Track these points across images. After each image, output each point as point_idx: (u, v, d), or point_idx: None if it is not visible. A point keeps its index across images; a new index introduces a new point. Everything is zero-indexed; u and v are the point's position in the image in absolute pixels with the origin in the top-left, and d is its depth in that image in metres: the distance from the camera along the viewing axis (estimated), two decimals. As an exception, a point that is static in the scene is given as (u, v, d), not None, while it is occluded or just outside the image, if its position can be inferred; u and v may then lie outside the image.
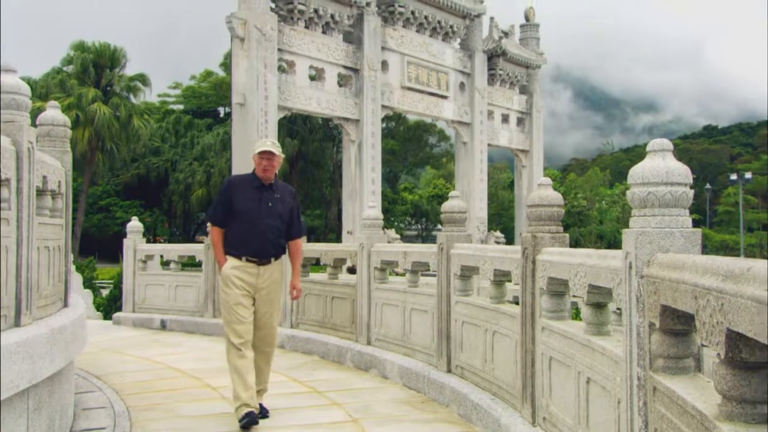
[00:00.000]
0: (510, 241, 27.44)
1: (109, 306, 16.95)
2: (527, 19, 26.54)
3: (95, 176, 42.70)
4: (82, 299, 5.76)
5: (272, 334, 5.29)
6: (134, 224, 11.85)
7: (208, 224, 5.71)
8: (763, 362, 1.94)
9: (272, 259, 5.15)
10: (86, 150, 37.84)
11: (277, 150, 5.19)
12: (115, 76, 40.13)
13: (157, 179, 45.83)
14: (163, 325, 10.78)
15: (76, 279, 16.90)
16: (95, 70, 39.46)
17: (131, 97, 41.03)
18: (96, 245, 43.91)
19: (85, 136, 37.11)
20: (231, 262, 5.09)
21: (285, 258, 5.44)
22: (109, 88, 40.04)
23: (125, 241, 11.72)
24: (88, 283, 19.78)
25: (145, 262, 11.58)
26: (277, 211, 5.16)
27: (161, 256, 12.12)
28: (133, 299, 11.49)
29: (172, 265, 11.42)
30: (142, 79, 41.31)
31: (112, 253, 35.19)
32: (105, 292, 19.58)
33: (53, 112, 5.33)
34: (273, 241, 5.14)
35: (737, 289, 1.83)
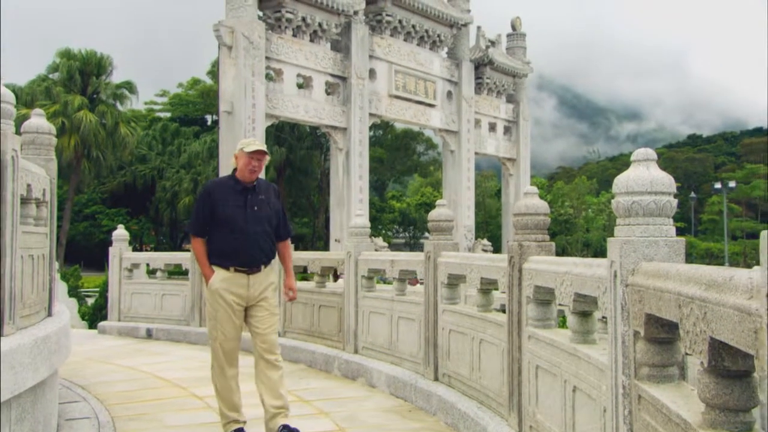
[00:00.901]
0: (497, 248, 27.54)
1: (95, 315, 16.83)
2: (514, 28, 26.72)
3: (81, 184, 42.42)
4: (66, 308, 5.71)
5: (272, 339, 4.82)
6: (120, 232, 11.77)
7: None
8: (745, 371, 1.96)
9: (262, 267, 4.80)
10: (72, 158, 37.61)
11: (266, 149, 4.88)
12: (102, 84, 39.95)
13: (143, 187, 45.62)
14: (149, 334, 10.71)
15: (61, 287, 16.77)
16: (81, 77, 39.27)
17: (118, 104, 40.86)
18: (82, 253, 43.61)
19: (71, 144, 36.89)
20: (219, 273, 4.71)
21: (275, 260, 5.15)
22: (95, 96, 39.85)
23: (111, 250, 11.63)
24: (74, 292, 19.64)
25: (131, 270, 11.50)
26: (265, 214, 4.80)
27: (147, 265, 12.04)
28: (119, 308, 11.40)
29: (158, 274, 11.35)
30: (129, 86, 41.16)
31: (98, 261, 34.94)
32: (90, 301, 19.43)
33: (38, 120, 5.29)
34: (263, 248, 4.78)
35: (720, 298, 1.85)
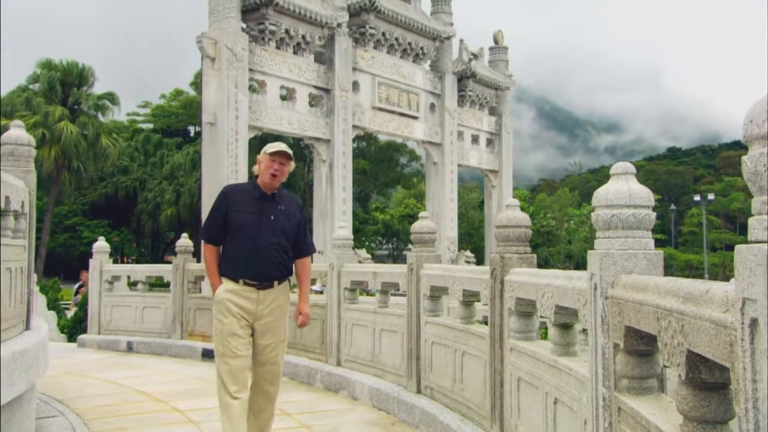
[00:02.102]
0: (481, 260, 27.59)
1: (74, 328, 16.60)
2: (496, 41, 26.95)
3: (61, 195, 41.99)
4: (45, 321, 5.64)
5: (276, 370, 4.43)
6: (101, 244, 11.67)
7: (200, 241, 4.77)
8: (722, 383, 1.98)
9: (275, 283, 4.39)
10: (52, 169, 37.24)
11: (291, 154, 4.45)
12: (83, 95, 39.65)
13: (125, 198, 45.26)
14: (130, 347, 10.59)
15: (40, 300, 16.54)
16: (62, 88, 38.96)
17: (99, 115, 40.54)
18: (62, 265, 43.11)
19: (52, 155, 36.53)
20: (226, 284, 4.35)
21: None
22: (76, 107, 39.53)
23: (91, 262, 11.52)
24: (53, 305, 19.40)
25: (111, 282, 11.38)
26: (281, 225, 4.39)
27: (128, 277, 11.94)
28: (99, 321, 11.27)
29: (139, 286, 11.25)
30: (111, 97, 40.89)
31: (79, 273, 34.52)
32: (70, 314, 19.19)
33: (17, 132, 5.25)
34: (276, 262, 4.36)
35: (696, 311, 1.87)
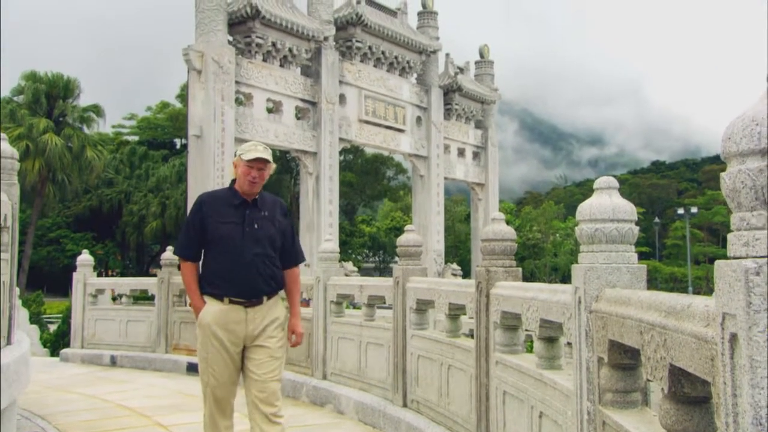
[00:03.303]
0: (467, 273, 27.65)
1: (57, 342, 16.44)
2: (482, 56, 27.18)
3: (45, 208, 41.64)
4: (27, 335, 5.58)
5: (273, 389, 3.93)
6: (84, 257, 11.57)
7: (172, 257, 4.58)
8: (704, 397, 1.99)
9: (264, 298, 3.95)
10: (36, 181, 36.94)
11: (269, 156, 3.99)
12: (68, 107, 39.46)
13: (110, 211, 44.95)
14: (113, 362, 10.48)
15: (22, 314, 16.35)
16: (47, 100, 38.75)
17: (84, 128, 40.35)
18: (45, 278, 42.69)
19: (36, 167, 36.25)
20: (211, 305, 3.90)
21: None
22: (61, 119, 39.32)
23: (75, 275, 11.42)
24: (35, 318, 19.18)
25: (95, 296, 11.28)
26: (266, 233, 3.96)
27: (112, 290, 11.84)
28: (82, 335, 11.16)
29: (123, 300, 11.16)
30: (96, 109, 40.73)
31: (62, 286, 34.23)
32: (53, 327, 18.99)
33: (0, 144, 5.21)
34: (264, 274, 3.93)
35: (678, 325, 1.89)
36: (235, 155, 4.05)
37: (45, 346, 16.89)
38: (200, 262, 4.03)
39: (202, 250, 4.01)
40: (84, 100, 41.54)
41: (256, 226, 3.96)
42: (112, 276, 40.82)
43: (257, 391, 3.88)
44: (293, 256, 4.19)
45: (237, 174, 3.99)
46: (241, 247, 3.90)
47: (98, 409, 7.08)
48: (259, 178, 3.94)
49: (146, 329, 10.46)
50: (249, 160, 3.90)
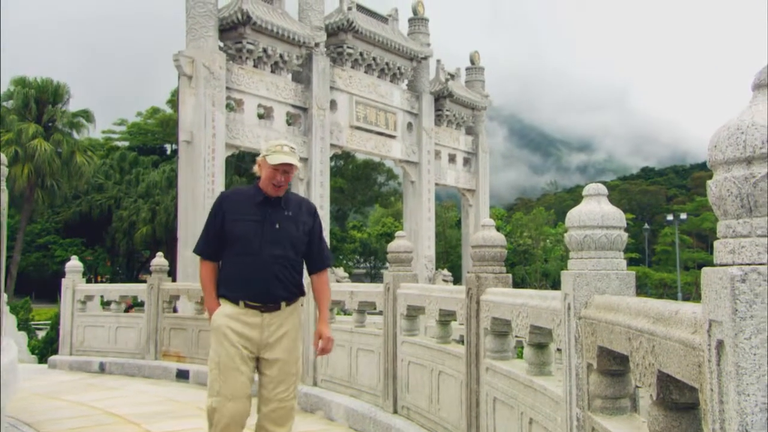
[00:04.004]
0: (458, 279, 27.66)
1: (45, 349, 16.32)
2: (472, 62, 27.28)
3: (34, 214, 41.38)
4: (15, 342, 5.54)
5: (287, 408, 3.67)
6: (73, 264, 11.50)
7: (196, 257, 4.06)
8: (692, 403, 2.00)
9: (282, 304, 3.71)
10: (25, 187, 36.70)
11: (296, 160, 3.77)
12: (58, 112, 39.24)
13: (99, 217, 44.69)
14: (102, 368, 10.42)
15: (10, 321, 16.23)
16: (37, 105, 38.53)
17: (74, 133, 40.11)
18: (33, 285, 42.39)
19: (25, 173, 36.02)
20: (225, 307, 3.70)
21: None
22: (51, 124, 39.10)
23: (63, 281, 11.34)
24: (23, 325, 19.04)
25: (84, 302, 11.21)
26: (288, 234, 3.73)
27: (102, 297, 11.77)
28: (71, 341, 11.08)
29: (112, 306, 11.09)
30: (86, 115, 40.53)
31: (51, 293, 33.96)
32: (41, 334, 18.86)
33: (-10, 150, 5.18)
34: (282, 278, 3.69)
35: (666, 332, 1.90)
36: (260, 156, 3.81)
37: (33, 353, 16.76)
38: (218, 263, 3.85)
39: (222, 250, 3.80)
40: (74, 106, 41.34)
41: (277, 226, 3.72)
42: (102, 282, 40.62)
43: (270, 410, 3.64)
44: (320, 259, 3.95)
45: (261, 175, 3.79)
46: (259, 247, 3.67)
47: (86, 416, 7.03)
48: (285, 181, 3.74)
49: (136, 335, 10.40)
50: (275, 165, 3.69)
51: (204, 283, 3.83)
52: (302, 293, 3.87)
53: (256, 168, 3.83)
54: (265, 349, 3.66)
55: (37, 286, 42.63)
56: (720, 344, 1.49)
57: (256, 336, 3.64)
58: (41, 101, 38.96)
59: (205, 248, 3.84)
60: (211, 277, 3.80)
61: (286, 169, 3.70)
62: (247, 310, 3.66)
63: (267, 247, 3.68)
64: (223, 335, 3.62)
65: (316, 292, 4.02)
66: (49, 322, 18.83)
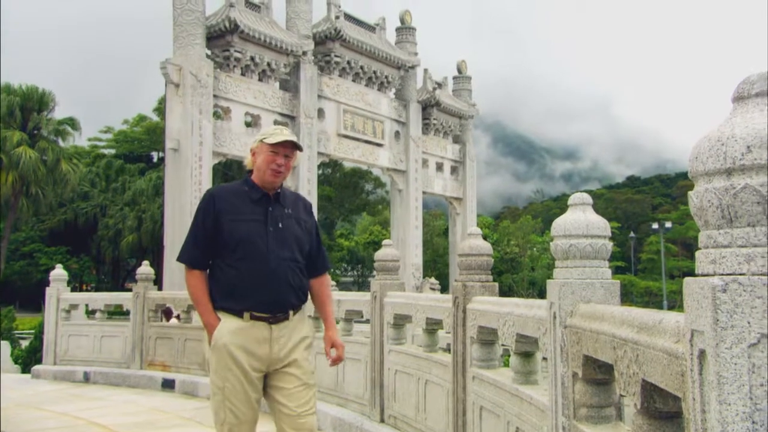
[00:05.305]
0: (445, 287, 27.68)
1: (29, 358, 16.13)
2: (459, 71, 27.42)
3: (18, 222, 41.00)
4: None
5: (310, 426, 3.29)
6: (58, 272, 11.40)
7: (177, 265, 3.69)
8: (676, 412, 2.02)
9: (291, 313, 3.31)
10: (10, 195, 36.40)
11: (297, 140, 3.40)
12: (43, 120, 38.97)
13: (85, 225, 44.39)
14: (87, 378, 10.32)
15: (-7, 330, 16.07)
16: (22, 113, 38.26)
17: (60, 140, 39.85)
18: (18, 293, 41.98)
19: (9, 181, 35.73)
20: (227, 322, 3.22)
21: None
22: (36, 132, 38.82)
23: (48, 290, 11.24)
24: (7, 334, 18.85)
25: (68, 311, 11.11)
26: (293, 234, 3.33)
27: (87, 305, 11.68)
28: (55, 351, 10.97)
29: (97, 315, 11.01)
30: (72, 122, 40.28)
31: (35, 301, 33.65)
32: (25, 344, 18.65)
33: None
34: (292, 283, 3.28)
35: (650, 341, 1.91)
36: (254, 143, 3.38)
37: (16, 363, 16.56)
38: (208, 271, 3.35)
39: (212, 255, 3.31)
40: (59, 113, 41.10)
41: (280, 225, 3.31)
42: (87, 291, 40.28)
43: (291, 428, 3.25)
44: (321, 261, 3.56)
45: (255, 164, 3.33)
46: (265, 250, 3.23)
47: (70, 427, 6.96)
48: (284, 167, 3.31)
49: (121, 344, 10.32)
50: (273, 144, 3.26)
51: (196, 296, 3.29)
52: (307, 298, 3.50)
53: (248, 160, 3.40)
54: (276, 363, 3.26)
55: (22, 294, 42.20)
56: (702, 354, 1.50)
57: (265, 352, 3.22)
58: (26, 108, 38.71)
59: (194, 255, 3.31)
60: (204, 289, 3.29)
61: (287, 152, 3.30)
62: (253, 323, 3.21)
63: (273, 249, 3.24)
64: (228, 355, 3.17)
65: (318, 297, 3.60)
66: (33, 331, 18.61)
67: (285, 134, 3.30)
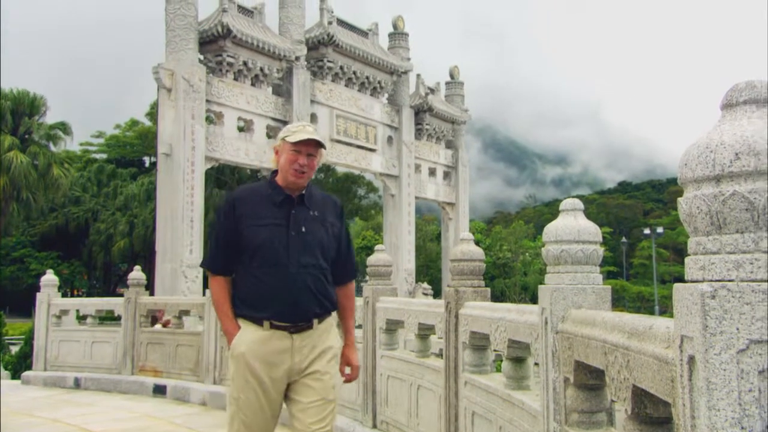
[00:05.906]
0: (438, 292, 27.70)
1: (19, 364, 16.02)
2: (452, 76, 27.50)
3: (9, 226, 40.78)
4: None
5: None
6: (49, 277, 11.35)
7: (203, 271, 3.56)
8: (666, 418, 2.03)
9: (315, 322, 3.13)
10: (0, 199, 36.22)
11: (321, 139, 3.20)
12: (35, 124, 38.83)
13: (76, 230, 44.18)
14: (78, 384, 10.25)
15: (-17, 335, 15.96)
16: (13, 117, 38.11)
17: (51, 145, 39.69)
18: (8, 299, 41.70)
19: (0, 185, 35.57)
20: (247, 331, 3.08)
21: None
22: (27, 136, 38.66)
23: (38, 295, 11.18)
24: (-3, 340, 18.68)
25: (59, 317, 11.05)
26: (317, 239, 3.14)
27: (77, 311, 11.62)
28: (45, 356, 10.90)
29: (88, 320, 10.95)
30: (63, 127, 40.13)
31: (25, 306, 33.45)
32: (15, 349, 18.53)
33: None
34: (315, 291, 3.11)
35: (641, 347, 1.92)
36: (277, 141, 3.23)
37: (6, 369, 16.45)
38: (233, 277, 3.21)
39: (236, 261, 3.16)
40: (51, 118, 40.98)
41: (303, 229, 3.12)
42: (78, 296, 40.06)
43: None
44: (348, 269, 3.37)
45: (279, 163, 3.16)
46: (287, 255, 3.06)
47: (61, 433, 6.92)
48: (308, 167, 3.12)
49: (112, 350, 10.27)
50: (296, 143, 3.09)
51: (218, 303, 3.19)
52: (335, 308, 3.27)
53: (272, 159, 3.25)
54: (297, 375, 3.11)
55: (12, 299, 41.94)
56: (691, 359, 1.51)
57: (285, 363, 3.06)
58: (17, 113, 38.57)
59: (217, 261, 3.20)
60: (226, 295, 3.16)
61: (310, 151, 3.12)
62: (273, 332, 3.06)
63: (295, 254, 3.07)
64: (246, 366, 3.04)
65: (342, 308, 3.37)
66: (24, 336, 18.50)
67: (308, 132, 3.13)
